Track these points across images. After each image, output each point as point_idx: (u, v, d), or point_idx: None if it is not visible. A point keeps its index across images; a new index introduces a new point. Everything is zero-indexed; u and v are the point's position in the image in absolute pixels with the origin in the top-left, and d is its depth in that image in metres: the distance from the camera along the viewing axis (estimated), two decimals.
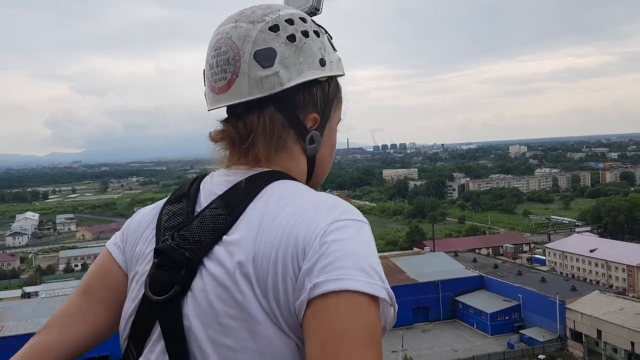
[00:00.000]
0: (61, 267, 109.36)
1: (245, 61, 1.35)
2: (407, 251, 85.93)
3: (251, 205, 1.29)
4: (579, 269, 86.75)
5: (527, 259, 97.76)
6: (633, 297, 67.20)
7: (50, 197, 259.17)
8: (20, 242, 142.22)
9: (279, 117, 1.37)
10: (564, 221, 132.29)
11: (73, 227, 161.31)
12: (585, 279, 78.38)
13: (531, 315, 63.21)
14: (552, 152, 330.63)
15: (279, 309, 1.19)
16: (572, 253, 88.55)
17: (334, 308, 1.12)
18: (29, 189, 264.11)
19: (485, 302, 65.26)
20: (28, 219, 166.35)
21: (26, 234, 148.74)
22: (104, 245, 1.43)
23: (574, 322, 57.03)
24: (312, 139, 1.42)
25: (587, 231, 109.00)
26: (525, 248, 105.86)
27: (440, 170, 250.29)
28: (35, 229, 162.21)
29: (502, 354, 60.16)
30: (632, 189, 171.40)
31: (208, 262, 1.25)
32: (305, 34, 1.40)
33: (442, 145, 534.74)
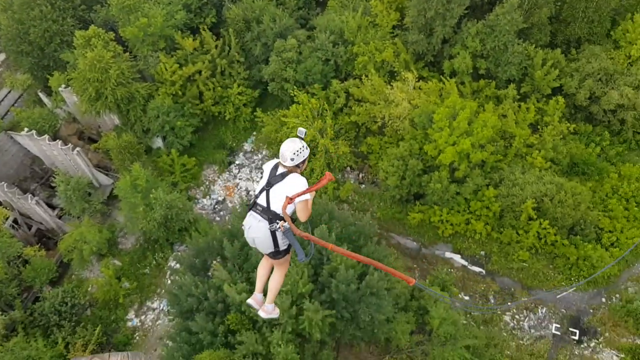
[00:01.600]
0: None
1: (291, 161, 9.15)
2: None
3: (286, 178, 9.18)
4: None
5: None
6: None
7: None
8: None
9: (296, 168, 9.28)
10: None
11: None
12: None
13: None
14: None
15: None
16: None
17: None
18: None
19: None
20: None
21: None
22: None
23: None
24: (303, 169, 9.46)
25: None
26: None
27: None
28: None
29: None
30: None
31: (271, 188, 9.24)
32: (303, 154, 9.19)
33: None
